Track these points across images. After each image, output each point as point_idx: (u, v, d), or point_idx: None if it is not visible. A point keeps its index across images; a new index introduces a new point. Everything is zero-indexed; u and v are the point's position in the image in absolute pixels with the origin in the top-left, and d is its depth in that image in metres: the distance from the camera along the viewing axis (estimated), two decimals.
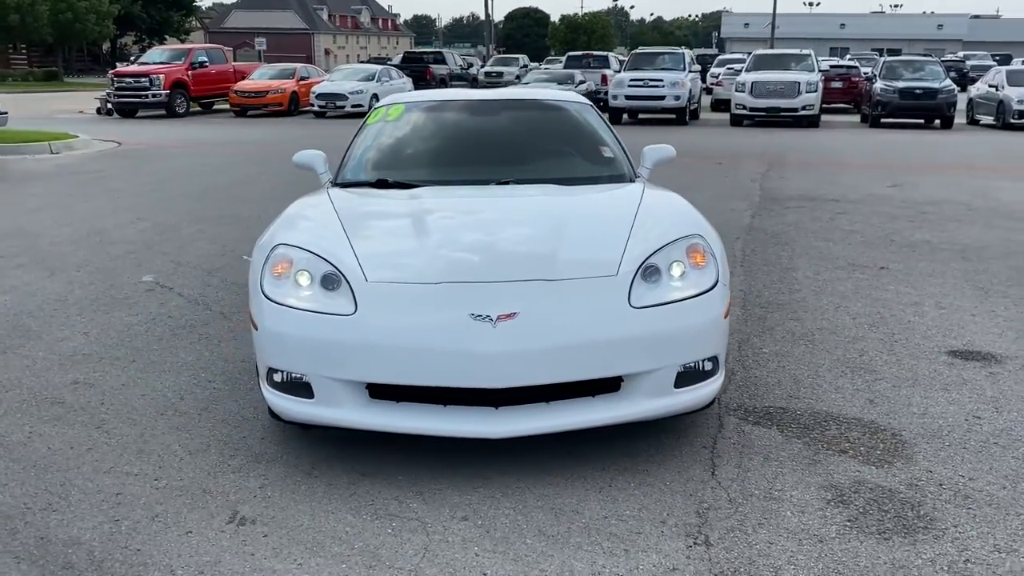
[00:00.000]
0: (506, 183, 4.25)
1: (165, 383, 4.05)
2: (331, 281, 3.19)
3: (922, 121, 20.28)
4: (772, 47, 43.65)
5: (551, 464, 3.17)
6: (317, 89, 23.78)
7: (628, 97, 20.85)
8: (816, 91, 19.91)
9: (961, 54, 46.98)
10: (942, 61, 25.40)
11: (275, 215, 3.95)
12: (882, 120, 20.31)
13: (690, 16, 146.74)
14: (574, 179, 4.34)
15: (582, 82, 23.80)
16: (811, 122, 19.94)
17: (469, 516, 2.84)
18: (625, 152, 4.62)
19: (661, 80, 20.67)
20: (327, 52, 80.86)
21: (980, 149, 14.97)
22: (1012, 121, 19.15)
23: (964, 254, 6.58)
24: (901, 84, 19.98)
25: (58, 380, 4.10)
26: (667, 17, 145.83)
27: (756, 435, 3.42)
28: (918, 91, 19.72)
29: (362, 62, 48.89)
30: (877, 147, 15.34)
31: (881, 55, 34.50)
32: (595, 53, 28.47)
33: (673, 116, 21.08)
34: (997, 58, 49.10)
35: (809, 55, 21.81)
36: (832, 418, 3.58)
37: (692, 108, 21.62)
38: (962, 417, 3.58)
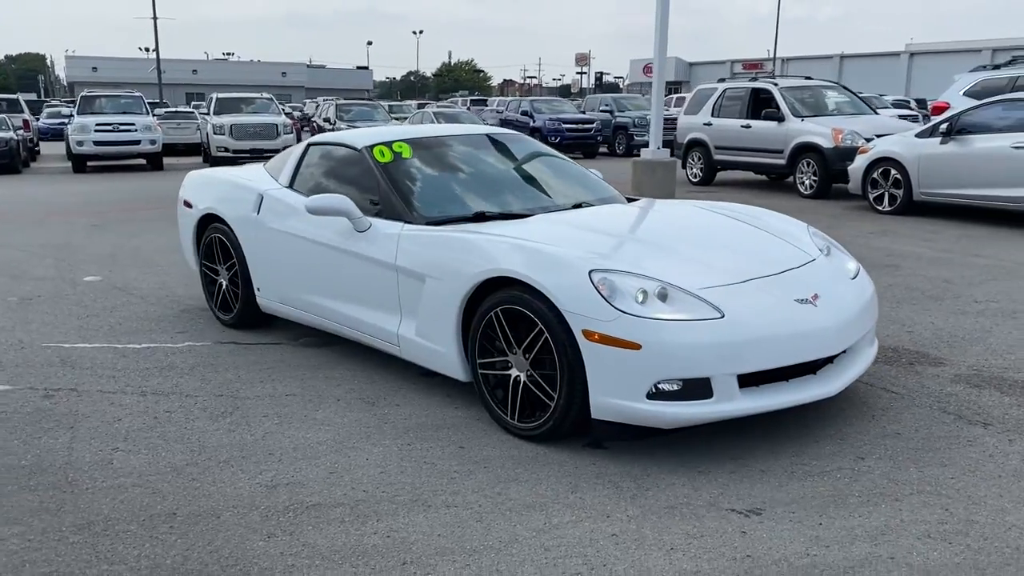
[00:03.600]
0: (579, 206, 4.71)
1: (370, 470, 3.59)
2: (663, 294, 3.48)
3: None
4: (161, 91, 42.98)
5: (797, 431, 3.94)
6: None
7: (97, 143, 19.21)
8: (292, 132, 21.00)
9: (321, 98, 51.97)
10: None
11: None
12: None
13: None
14: (608, 199, 4.98)
15: (19, 128, 20.90)
16: None
17: (865, 464, 3.54)
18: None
19: (133, 124, 19.56)
20: None
21: None
22: None
23: None
24: (362, 124, 22.20)
25: (256, 499, 3.31)
26: None
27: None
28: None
29: None
30: None
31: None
32: (5, 96, 24.93)
33: (145, 162, 20.12)
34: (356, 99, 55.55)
35: (270, 99, 22.77)
36: None
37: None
38: (902, 335, 5.30)
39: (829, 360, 3.76)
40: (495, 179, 4.87)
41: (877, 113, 14.13)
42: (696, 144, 14.73)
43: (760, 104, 13.54)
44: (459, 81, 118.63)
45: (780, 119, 12.96)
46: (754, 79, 14.21)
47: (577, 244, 3.83)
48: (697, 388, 3.36)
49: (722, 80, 15.19)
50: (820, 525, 2.97)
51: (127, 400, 4.33)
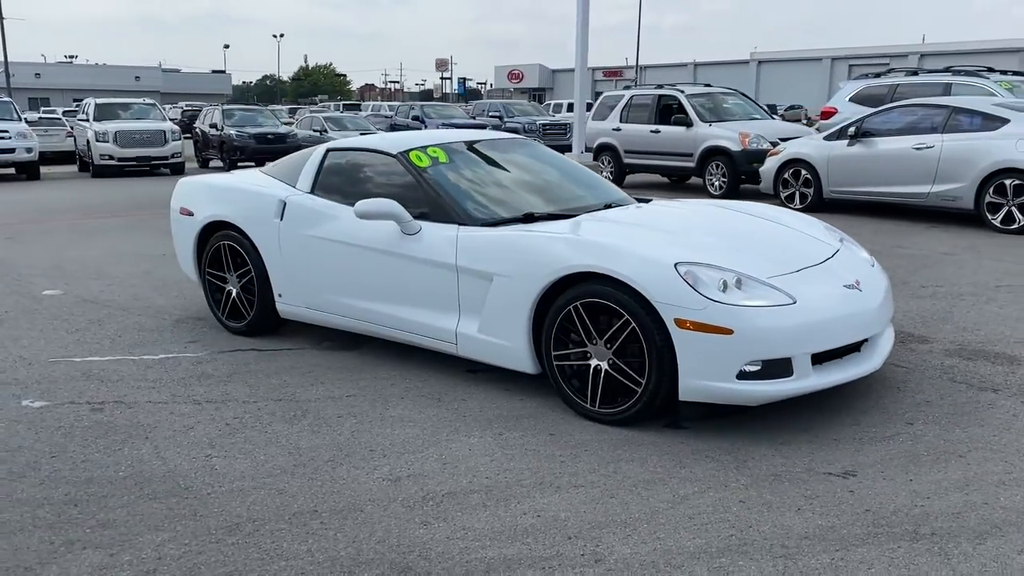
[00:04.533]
0: (610, 207, 5.00)
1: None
2: (739, 283, 3.82)
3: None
4: (11, 96, 40.27)
5: (842, 404, 4.38)
6: None
7: None
8: (179, 139, 20.33)
9: (183, 103, 49.90)
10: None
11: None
12: (239, 164, 21.78)
13: None
14: (623, 200, 5.29)
15: None
16: (178, 168, 20.28)
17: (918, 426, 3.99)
18: None
19: (7, 131, 18.44)
20: None
21: None
22: None
23: None
24: (253, 130, 21.70)
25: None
26: None
27: None
28: (270, 136, 21.74)
29: None
30: None
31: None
32: None
33: (14, 172, 19.03)
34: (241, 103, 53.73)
35: (153, 103, 21.96)
36: None
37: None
38: None
39: (865, 339, 4.19)
40: (527, 181, 5.10)
41: (774, 118, 15.13)
42: (606, 148, 15.30)
43: (667, 110, 14.23)
44: (318, 85, 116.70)
45: (688, 124, 13.68)
46: (659, 87, 14.91)
47: (644, 241, 4.11)
48: (778, 367, 3.70)
49: (627, 88, 15.83)
50: (911, 481, 3.37)
51: (184, 409, 4.29)
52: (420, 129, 24.99)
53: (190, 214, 5.76)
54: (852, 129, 10.71)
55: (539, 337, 4.17)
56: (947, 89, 12.64)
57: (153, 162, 19.72)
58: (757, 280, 3.84)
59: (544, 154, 5.59)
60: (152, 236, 9.95)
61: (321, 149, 5.41)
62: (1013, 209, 9.26)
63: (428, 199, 4.67)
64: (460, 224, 4.49)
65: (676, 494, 3.29)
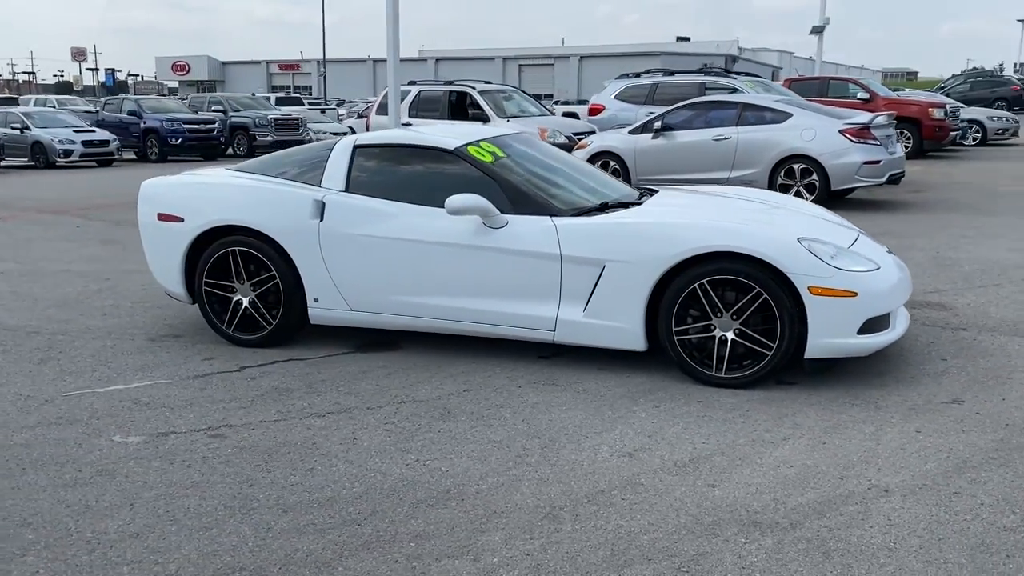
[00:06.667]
0: (641, 196, 5.44)
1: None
2: (837, 253, 4.48)
3: None
4: None
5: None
6: None
7: None
8: None
9: None
10: None
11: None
12: None
13: None
14: (646, 191, 5.75)
15: None
16: None
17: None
18: None
19: None
20: None
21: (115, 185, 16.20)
22: (57, 160, 20.49)
23: None
24: None
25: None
26: None
27: None
28: None
29: None
30: (53, 190, 14.94)
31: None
32: None
33: None
34: None
35: None
36: None
37: None
38: None
39: None
40: (568, 173, 5.35)
41: (554, 114, 16.18)
42: None
43: (459, 105, 14.68)
44: None
45: (486, 119, 14.26)
46: (449, 83, 15.29)
47: (756, 221, 4.59)
48: (878, 322, 4.40)
49: (412, 83, 15.99)
50: (1004, 400, 4.24)
51: (317, 423, 4.06)
52: (139, 125, 23.03)
53: (178, 220, 5.23)
54: (657, 124, 11.95)
55: (650, 315, 4.51)
56: (702, 88, 14.46)
57: None
58: (846, 250, 4.51)
59: (553, 150, 5.84)
60: None
61: (346, 146, 5.21)
62: (801, 189, 10.98)
63: (506, 192, 4.77)
64: (552, 215, 4.67)
65: (864, 434, 3.86)
